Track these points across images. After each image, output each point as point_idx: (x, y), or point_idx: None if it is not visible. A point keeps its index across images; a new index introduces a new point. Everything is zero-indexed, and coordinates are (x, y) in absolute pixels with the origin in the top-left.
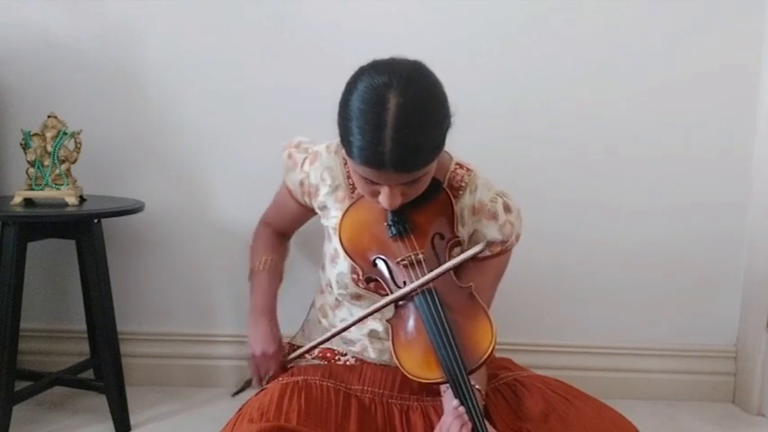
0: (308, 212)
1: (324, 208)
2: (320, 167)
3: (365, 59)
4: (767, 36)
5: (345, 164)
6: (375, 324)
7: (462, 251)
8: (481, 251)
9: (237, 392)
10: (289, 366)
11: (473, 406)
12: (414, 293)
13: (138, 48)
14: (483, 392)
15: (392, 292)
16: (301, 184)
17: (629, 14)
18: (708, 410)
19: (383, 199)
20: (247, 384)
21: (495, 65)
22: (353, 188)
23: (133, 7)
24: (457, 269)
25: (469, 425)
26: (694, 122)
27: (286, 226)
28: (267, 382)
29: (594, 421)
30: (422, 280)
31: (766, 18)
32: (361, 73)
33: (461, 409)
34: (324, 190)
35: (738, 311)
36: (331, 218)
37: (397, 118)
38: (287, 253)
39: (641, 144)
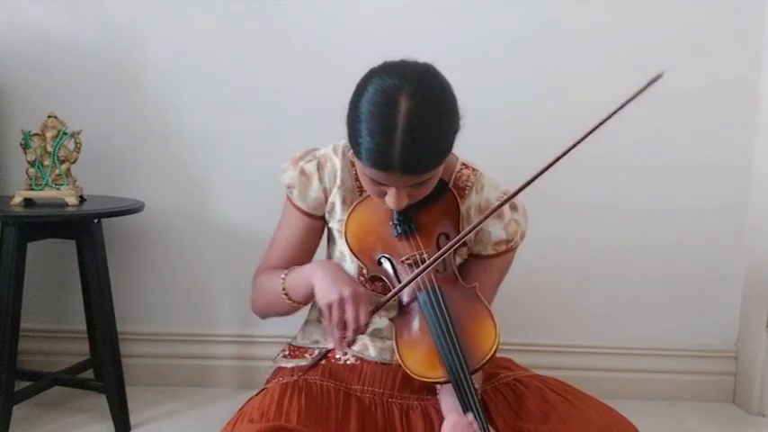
0: (324, 228)
1: (332, 210)
2: (332, 169)
3: (366, 66)
4: (767, 42)
5: (353, 165)
6: (378, 322)
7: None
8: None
9: (314, 364)
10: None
11: (474, 404)
12: (418, 288)
13: (138, 48)
14: (479, 392)
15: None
16: (324, 191)
17: (632, 23)
18: (708, 410)
19: (390, 200)
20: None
21: (499, 74)
22: (361, 190)
23: (133, 8)
24: (461, 268)
25: None
26: (695, 128)
27: (296, 261)
28: (352, 344)
29: (595, 421)
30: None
31: (766, 24)
32: (372, 74)
33: (476, 425)
34: (334, 190)
35: (738, 311)
36: (337, 220)
37: (407, 121)
38: None
39: (644, 149)
